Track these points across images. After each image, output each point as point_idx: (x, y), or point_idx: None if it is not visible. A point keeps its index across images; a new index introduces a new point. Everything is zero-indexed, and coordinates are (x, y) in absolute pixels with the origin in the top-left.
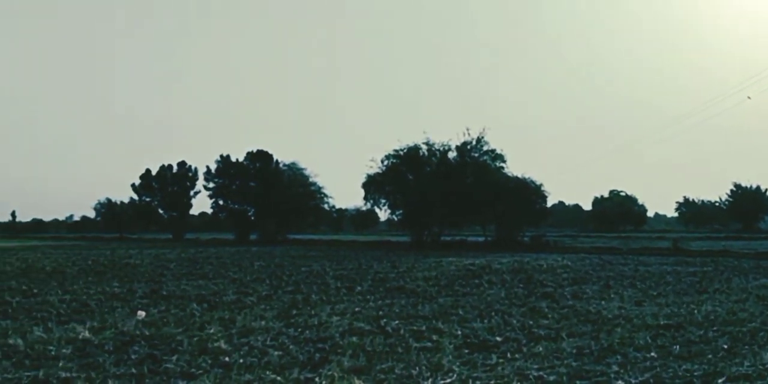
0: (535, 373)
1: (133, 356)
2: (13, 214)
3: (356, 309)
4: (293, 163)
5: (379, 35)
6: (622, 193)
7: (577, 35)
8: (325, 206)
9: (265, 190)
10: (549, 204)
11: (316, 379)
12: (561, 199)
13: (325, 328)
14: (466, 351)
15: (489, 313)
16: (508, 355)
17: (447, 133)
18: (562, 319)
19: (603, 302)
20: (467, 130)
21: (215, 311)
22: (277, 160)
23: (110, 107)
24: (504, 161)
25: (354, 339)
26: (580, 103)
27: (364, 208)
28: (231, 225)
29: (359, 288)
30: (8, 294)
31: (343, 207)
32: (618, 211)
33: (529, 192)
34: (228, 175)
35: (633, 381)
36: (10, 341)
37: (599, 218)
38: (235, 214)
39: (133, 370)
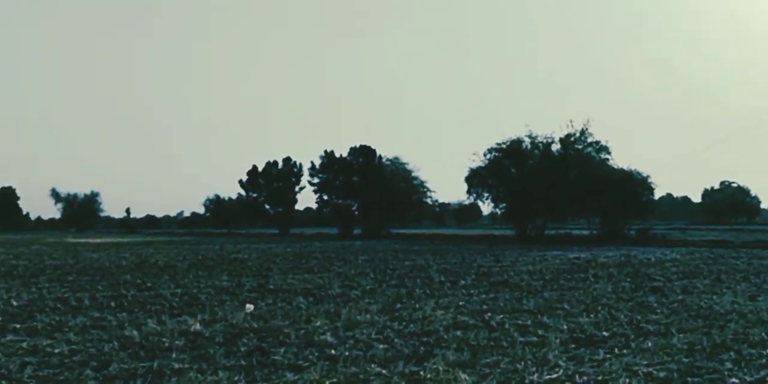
0: (645, 370)
1: (242, 348)
2: (127, 211)
3: (460, 303)
4: (396, 158)
5: (480, 30)
6: (734, 185)
7: (684, 24)
8: (428, 200)
9: (368, 185)
10: (656, 196)
11: (421, 373)
12: (669, 192)
13: (430, 322)
14: (573, 346)
15: (595, 307)
16: (616, 350)
17: (549, 126)
18: (672, 314)
19: (714, 297)
20: (571, 122)
21: (321, 305)
22: (380, 155)
23: (217, 107)
24: (609, 153)
25: (458, 333)
26: (689, 92)
27: (466, 202)
28: (335, 220)
29: (463, 282)
30: (123, 287)
31: (446, 201)
32: (729, 203)
33: (635, 184)
34: (332, 170)
35: (748, 378)
36: (126, 333)
37: (709, 211)
38: (339, 209)
39: (243, 362)
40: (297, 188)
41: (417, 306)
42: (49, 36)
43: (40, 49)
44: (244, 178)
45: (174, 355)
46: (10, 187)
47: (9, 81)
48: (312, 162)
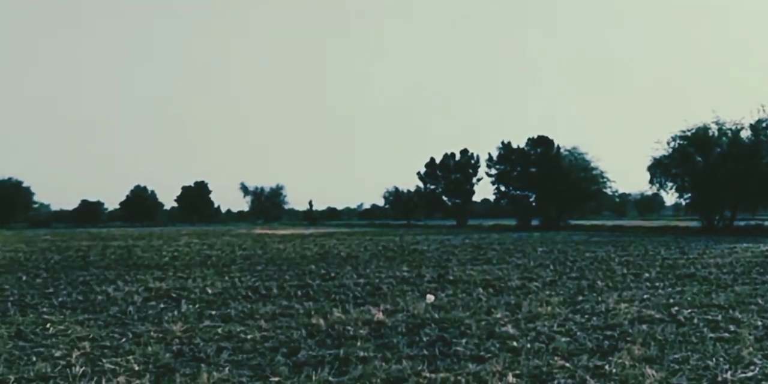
0: None
1: (424, 338)
2: (310, 203)
3: (644, 296)
4: (574, 148)
5: (664, 16)
6: None
7: None
8: (608, 191)
9: (546, 176)
10: None
11: (606, 367)
12: None
13: (613, 316)
14: None
15: None
16: None
17: (737, 112)
18: None
19: None
20: (762, 107)
21: (501, 296)
22: (558, 146)
23: (395, 101)
24: None
25: (644, 327)
26: None
27: (648, 192)
28: (512, 211)
29: (647, 275)
30: (309, 277)
31: (627, 191)
32: None
33: None
34: (509, 161)
35: None
36: (313, 321)
37: None
38: (517, 200)
39: (425, 352)
40: (474, 180)
41: (599, 299)
42: (241, 36)
43: (232, 50)
44: (422, 170)
45: (359, 344)
46: (202, 182)
47: (203, 83)
48: (489, 153)
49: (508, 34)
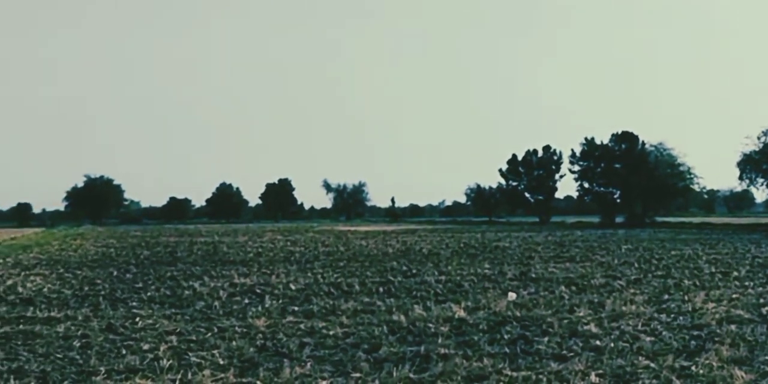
0: None
1: (505, 336)
2: (392, 200)
3: (733, 295)
4: (660, 144)
5: (739, 11)
6: None
7: None
8: (695, 187)
9: (630, 172)
10: None
11: (693, 368)
12: None
13: (700, 315)
14: None
15: None
16: None
17: None
18: None
19: None
20: None
21: (584, 294)
22: (643, 142)
23: (476, 98)
24: None
25: (732, 327)
26: None
27: (738, 189)
28: (596, 208)
29: (736, 273)
30: (390, 274)
31: (715, 188)
32: None
33: None
34: (593, 157)
35: None
36: (394, 318)
37: None
38: (601, 197)
39: (506, 350)
40: (557, 176)
41: (686, 298)
42: (319, 33)
43: (319, 49)
44: (504, 166)
45: (440, 341)
46: (286, 179)
47: (284, 82)
48: (572, 149)
49: (592, 28)
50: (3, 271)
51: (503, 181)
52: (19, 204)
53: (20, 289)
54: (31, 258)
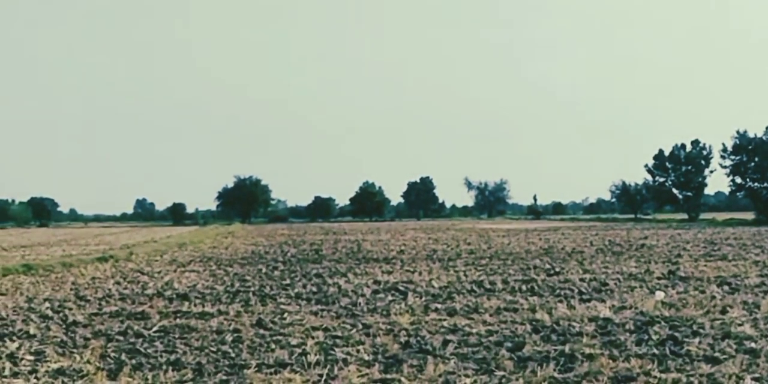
0: None
1: (653, 337)
2: (534, 197)
3: None
4: None
5: None
6: None
7: None
8: None
9: None
10: None
11: None
12: None
13: None
14: None
15: None
16: None
17: None
18: None
19: None
20: None
21: (737, 294)
22: None
23: (618, 93)
24: None
25: None
26: None
27: None
28: (750, 204)
29: None
30: (533, 272)
31: None
32: None
33: None
34: (746, 151)
35: None
36: (538, 316)
37: None
38: (755, 193)
39: (655, 351)
40: (707, 171)
41: None
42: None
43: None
44: (651, 162)
45: (584, 340)
46: (427, 177)
47: (430, 82)
48: (723, 143)
49: (740, 14)
50: (160, 267)
51: (649, 178)
52: (174, 204)
53: (176, 285)
54: (185, 255)
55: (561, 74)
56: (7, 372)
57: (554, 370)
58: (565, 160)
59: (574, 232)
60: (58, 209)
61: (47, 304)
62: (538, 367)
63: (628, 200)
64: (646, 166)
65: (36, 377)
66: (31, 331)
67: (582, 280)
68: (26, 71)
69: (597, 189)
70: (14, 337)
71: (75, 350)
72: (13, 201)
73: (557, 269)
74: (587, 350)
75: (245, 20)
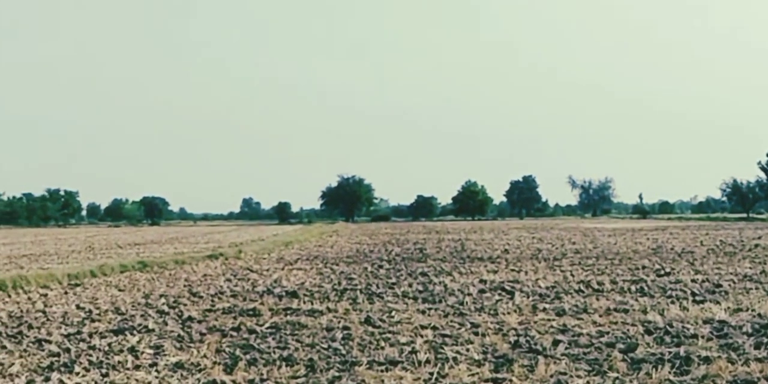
0: None
1: None
2: (640, 196)
3: None
4: None
5: None
6: None
7: None
8: None
9: None
10: None
11: None
12: None
13: None
14: None
15: None
16: None
17: None
18: None
19: None
20: None
21: None
22: None
23: (724, 91)
24: None
25: None
26: None
27: None
28: None
29: None
30: (643, 272)
31: None
32: None
33: None
34: None
35: None
36: (649, 317)
37: None
38: None
39: None
40: None
41: None
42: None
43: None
44: (764, 159)
45: (700, 343)
46: (530, 176)
47: (525, 81)
48: None
49: None
50: (269, 265)
51: (763, 175)
52: (280, 203)
53: (285, 283)
54: (292, 253)
55: (670, 73)
56: (129, 365)
57: (669, 372)
58: (673, 158)
59: (683, 231)
60: (169, 208)
61: (163, 300)
62: (652, 369)
63: (740, 199)
64: (759, 163)
65: (156, 370)
66: (150, 326)
67: (694, 281)
68: (138, 75)
69: (706, 187)
70: (134, 331)
71: (192, 345)
72: (127, 200)
73: (667, 270)
74: (703, 353)
75: (350, 20)
